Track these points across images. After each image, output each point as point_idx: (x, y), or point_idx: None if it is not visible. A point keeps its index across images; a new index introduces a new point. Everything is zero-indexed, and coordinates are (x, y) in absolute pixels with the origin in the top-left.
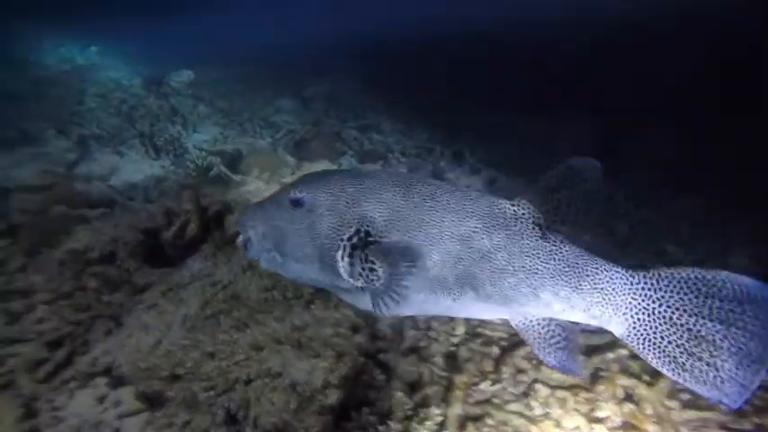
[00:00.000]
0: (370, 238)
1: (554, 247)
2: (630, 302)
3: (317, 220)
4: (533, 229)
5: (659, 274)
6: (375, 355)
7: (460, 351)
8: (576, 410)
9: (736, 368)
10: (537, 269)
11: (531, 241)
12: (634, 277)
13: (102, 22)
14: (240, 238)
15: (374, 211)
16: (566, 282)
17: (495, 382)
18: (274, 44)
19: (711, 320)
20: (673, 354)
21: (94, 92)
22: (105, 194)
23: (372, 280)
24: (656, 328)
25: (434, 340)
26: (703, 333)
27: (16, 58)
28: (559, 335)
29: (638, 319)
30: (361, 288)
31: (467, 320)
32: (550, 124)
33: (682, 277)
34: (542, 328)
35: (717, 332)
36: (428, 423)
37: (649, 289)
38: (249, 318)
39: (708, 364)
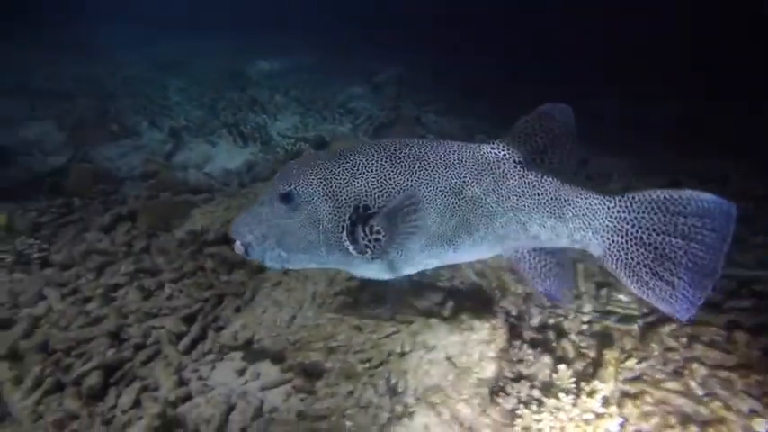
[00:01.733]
0: (369, 212)
1: (536, 182)
2: (607, 225)
3: (315, 207)
4: (515, 168)
5: (632, 197)
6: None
7: (595, 328)
8: (747, 393)
9: (690, 286)
10: (524, 206)
11: (516, 180)
12: (610, 202)
13: (176, 22)
14: (238, 244)
15: (367, 184)
16: (550, 213)
17: (641, 359)
18: (338, 30)
19: (675, 237)
20: (640, 273)
21: (176, 87)
22: (203, 181)
23: (379, 249)
24: (629, 249)
25: (564, 317)
26: (667, 251)
27: (106, 59)
28: (549, 263)
29: (613, 241)
30: (370, 258)
31: (593, 298)
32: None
33: (653, 198)
34: (533, 258)
35: (679, 248)
36: (597, 397)
37: (623, 211)
38: (386, 293)
39: (667, 283)
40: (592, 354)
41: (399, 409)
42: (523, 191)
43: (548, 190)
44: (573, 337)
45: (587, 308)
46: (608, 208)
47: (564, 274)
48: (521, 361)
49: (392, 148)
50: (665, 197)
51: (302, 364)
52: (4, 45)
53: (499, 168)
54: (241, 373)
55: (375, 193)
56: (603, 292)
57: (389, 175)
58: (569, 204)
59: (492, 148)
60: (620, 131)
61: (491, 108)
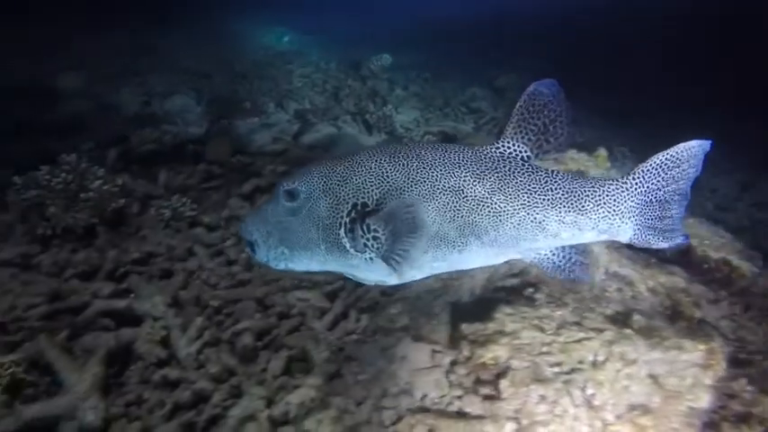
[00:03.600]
0: (367, 209)
1: (548, 178)
2: (631, 206)
3: (315, 203)
4: (522, 164)
5: (642, 170)
6: None
7: None
8: None
9: (680, 215)
10: (537, 202)
11: (524, 177)
12: (626, 182)
13: (294, 14)
14: (246, 243)
15: (365, 182)
16: (569, 207)
17: None
18: (458, 33)
19: (672, 184)
20: (658, 227)
21: (299, 73)
22: None
23: (378, 247)
24: (651, 216)
25: None
26: (667, 198)
27: (236, 45)
28: (574, 257)
29: (640, 219)
30: (370, 259)
31: None
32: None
33: (657, 163)
34: (556, 257)
35: (674, 192)
36: None
37: (640, 186)
38: (562, 295)
39: (671, 221)
40: None
41: (598, 424)
42: (534, 187)
43: (561, 184)
44: None
45: None
46: (627, 189)
47: (586, 263)
48: (735, 396)
49: (393, 148)
50: (666, 158)
51: (481, 357)
52: (154, 31)
53: (504, 167)
54: (390, 359)
55: (372, 190)
56: None
57: (387, 172)
58: (587, 195)
59: (496, 148)
60: None
61: (623, 116)
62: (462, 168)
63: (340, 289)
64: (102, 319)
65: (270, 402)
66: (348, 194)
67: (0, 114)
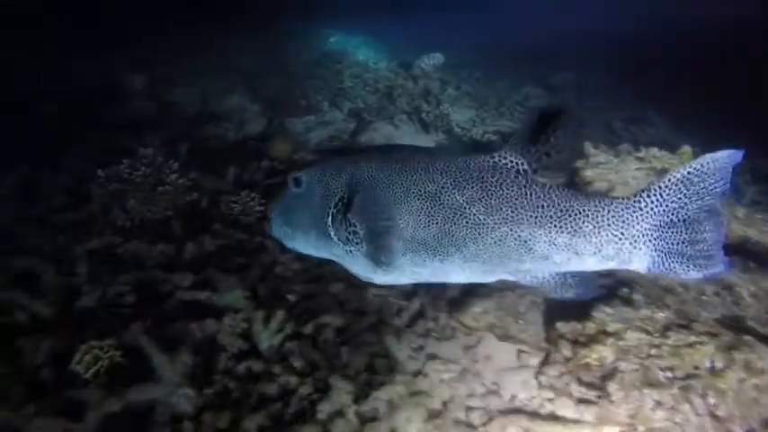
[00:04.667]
0: (350, 203)
1: (540, 193)
2: (646, 229)
3: (311, 192)
4: (515, 177)
5: (660, 187)
6: None
7: None
8: None
9: (717, 237)
10: (521, 219)
11: (512, 190)
12: (640, 202)
13: (339, 15)
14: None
15: (352, 177)
16: (561, 227)
17: None
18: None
19: (698, 200)
20: (689, 253)
21: (350, 73)
22: None
23: (357, 241)
24: (675, 240)
25: None
26: (694, 218)
27: (286, 46)
28: (571, 285)
29: (659, 244)
30: (350, 252)
31: None
32: None
33: (678, 178)
34: (553, 281)
35: (698, 208)
36: None
37: (657, 205)
38: (661, 296)
39: (704, 245)
40: None
41: None
42: (521, 202)
43: (555, 201)
44: None
45: None
46: (640, 209)
47: (587, 284)
48: None
49: (387, 150)
50: (689, 172)
51: (585, 357)
52: (210, 31)
53: (492, 177)
54: (473, 358)
55: (355, 187)
56: None
57: (372, 173)
58: (586, 215)
59: (491, 158)
60: None
61: (695, 120)
62: (443, 175)
63: (416, 287)
64: (185, 308)
65: (357, 398)
66: (337, 188)
67: (76, 113)
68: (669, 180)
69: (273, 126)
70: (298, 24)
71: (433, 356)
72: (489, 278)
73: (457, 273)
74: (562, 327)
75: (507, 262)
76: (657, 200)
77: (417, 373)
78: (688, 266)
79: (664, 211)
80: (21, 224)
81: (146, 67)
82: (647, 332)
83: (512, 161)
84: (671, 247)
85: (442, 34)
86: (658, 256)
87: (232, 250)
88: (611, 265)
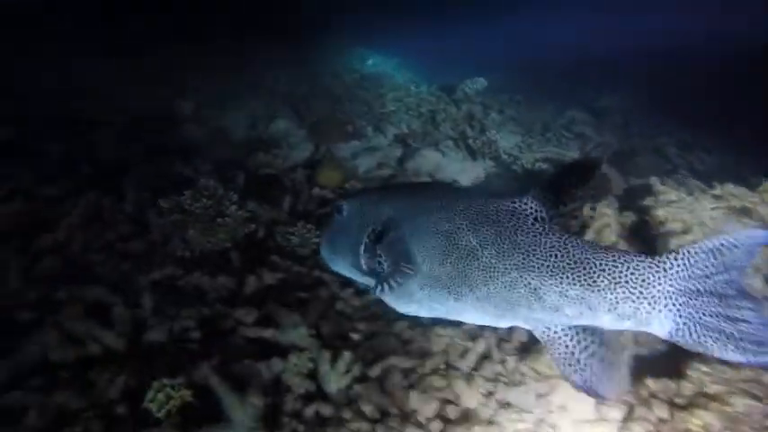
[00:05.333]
0: (380, 236)
1: (556, 243)
2: (668, 291)
3: (351, 220)
4: (532, 224)
5: (689, 251)
6: None
7: None
8: None
9: (764, 326)
10: (532, 266)
11: (527, 237)
12: (665, 263)
13: (376, 36)
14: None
15: (384, 211)
16: (574, 279)
17: None
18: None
19: (724, 273)
20: (728, 330)
21: (391, 96)
22: None
23: (382, 271)
24: (705, 311)
25: None
26: (722, 292)
27: (327, 68)
28: (590, 345)
29: (685, 311)
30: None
31: None
32: None
33: (709, 246)
34: (569, 338)
35: (725, 283)
36: None
37: (683, 269)
38: None
39: (748, 333)
40: None
41: None
42: (534, 249)
43: (570, 251)
44: None
45: None
46: (665, 270)
47: (610, 361)
48: None
49: (426, 187)
50: (723, 243)
51: (685, 422)
52: (252, 53)
53: (509, 222)
54: (547, 407)
55: (382, 221)
56: None
57: (402, 207)
58: (603, 270)
59: (512, 202)
60: None
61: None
62: (461, 216)
63: (481, 328)
64: (249, 345)
65: None
66: (371, 219)
67: (131, 140)
68: (700, 247)
69: (321, 153)
70: (334, 45)
71: (504, 404)
72: (503, 323)
73: (470, 313)
74: (653, 384)
75: (518, 308)
76: (685, 264)
77: (490, 423)
78: (726, 345)
79: (689, 276)
80: (89, 252)
81: (192, 91)
82: (758, 398)
83: (531, 207)
84: (702, 318)
85: (475, 51)
86: (684, 323)
87: (291, 284)
88: (627, 325)
